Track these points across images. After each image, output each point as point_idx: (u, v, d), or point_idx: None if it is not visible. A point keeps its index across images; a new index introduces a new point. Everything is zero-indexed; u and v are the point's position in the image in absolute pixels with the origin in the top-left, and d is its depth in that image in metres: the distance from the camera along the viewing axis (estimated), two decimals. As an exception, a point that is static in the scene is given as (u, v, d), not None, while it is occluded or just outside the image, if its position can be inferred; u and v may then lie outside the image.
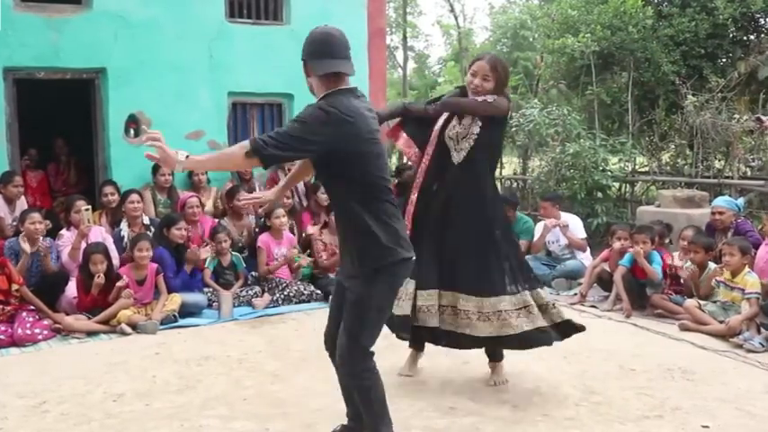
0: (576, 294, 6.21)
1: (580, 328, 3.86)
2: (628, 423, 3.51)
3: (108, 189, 6.45)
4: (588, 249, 6.95)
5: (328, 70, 2.76)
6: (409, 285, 3.72)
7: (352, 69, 2.81)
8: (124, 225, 6.20)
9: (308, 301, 6.08)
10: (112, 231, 6.22)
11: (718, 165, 8.69)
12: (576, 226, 6.91)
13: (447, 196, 3.79)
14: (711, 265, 5.43)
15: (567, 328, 3.83)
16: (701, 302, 5.26)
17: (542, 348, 4.67)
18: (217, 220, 6.66)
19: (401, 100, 3.76)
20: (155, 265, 5.60)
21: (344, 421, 3.19)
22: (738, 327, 4.83)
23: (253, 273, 6.34)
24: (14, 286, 5.08)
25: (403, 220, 3.00)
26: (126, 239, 6.05)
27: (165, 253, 5.82)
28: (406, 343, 4.96)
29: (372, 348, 2.88)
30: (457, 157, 3.79)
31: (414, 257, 2.92)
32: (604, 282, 6.10)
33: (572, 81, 10.80)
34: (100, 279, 5.27)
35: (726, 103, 8.48)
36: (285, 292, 6.05)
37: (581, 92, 10.45)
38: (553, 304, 3.84)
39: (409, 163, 10.10)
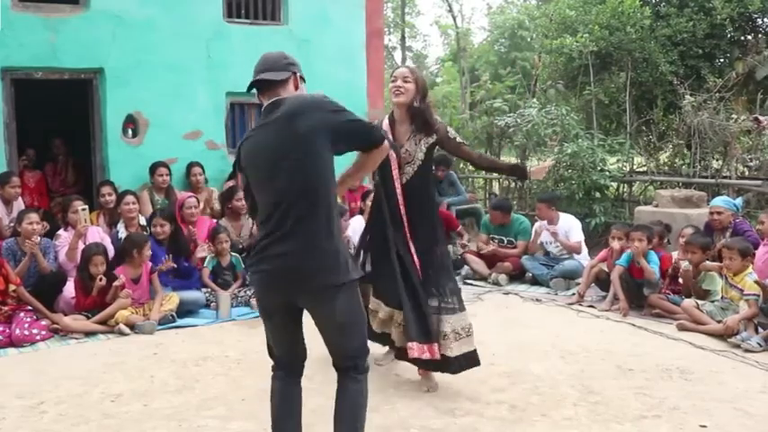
0: (573, 294, 6.22)
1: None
2: (626, 423, 3.51)
3: (105, 189, 6.45)
4: (586, 249, 6.95)
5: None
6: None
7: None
8: (121, 226, 6.20)
9: (307, 302, 6.06)
10: (110, 232, 6.22)
11: (715, 165, 8.70)
12: (573, 228, 6.90)
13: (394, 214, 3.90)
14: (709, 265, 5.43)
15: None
16: (699, 302, 5.27)
17: (540, 349, 4.71)
18: (216, 221, 6.65)
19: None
20: (149, 264, 5.60)
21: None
22: (736, 326, 4.84)
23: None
24: (11, 287, 5.07)
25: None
26: (123, 240, 6.05)
27: (152, 241, 5.82)
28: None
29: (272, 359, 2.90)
30: (401, 179, 3.89)
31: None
32: (602, 282, 6.11)
33: (570, 81, 10.82)
34: (102, 282, 5.26)
35: (723, 103, 8.49)
36: (283, 292, 6.03)
37: (579, 92, 10.46)
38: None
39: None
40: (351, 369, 2.73)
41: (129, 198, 6.23)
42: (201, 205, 6.85)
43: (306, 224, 2.54)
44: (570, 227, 6.88)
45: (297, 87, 2.75)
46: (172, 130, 7.36)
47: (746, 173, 8.51)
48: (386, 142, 2.77)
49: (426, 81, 4.01)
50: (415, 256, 3.85)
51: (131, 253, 5.50)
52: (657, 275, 5.64)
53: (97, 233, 5.88)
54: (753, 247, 5.53)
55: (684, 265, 5.56)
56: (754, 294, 4.93)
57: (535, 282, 6.81)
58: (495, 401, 3.79)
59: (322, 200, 2.56)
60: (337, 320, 2.64)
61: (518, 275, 6.97)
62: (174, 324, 5.38)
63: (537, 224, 7.06)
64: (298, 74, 2.77)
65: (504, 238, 7.20)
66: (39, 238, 5.43)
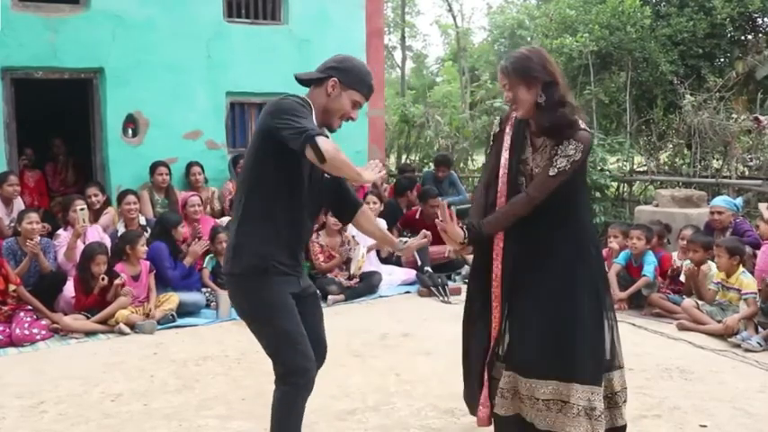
0: (574, 294, 6.20)
1: None
2: (626, 422, 3.51)
3: (91, 190, 6.42)
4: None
5: None
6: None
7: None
8: (121, 225, 6.21)
9: (306, 301, 6.07)
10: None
11: (716, 164, 8.70)
12: None
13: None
14: (712, 265, 5.40)
15: None
16: (699, 302, 5.26)
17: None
18: (217, 221, 6.65)
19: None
20: (147, 263, 5.60)
21: (342, 421, 3.18)
22: (736, 326, 4.84)
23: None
24: (11, 287, 5.07)
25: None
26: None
27: (163, 246, 5.82)
28: (402, 342, 4.97)
29: None
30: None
31: None
32: (602, 281, 6.10)
33: (570, 81, 10.78)
34: (104, 282, 5.26)
35: (724, 103, 8.49)
36: (283, 292, 6.03)
37: (579, 92, 10.46)
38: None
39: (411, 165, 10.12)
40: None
41: (131, 198, 6.23)
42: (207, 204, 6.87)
43: (235, 217, 2.71)
44: None
45: (328, 93, 2.63)
46: (172, 129, 7.36)
47: (746, 172, 8.52)
48: (311, 149, 2.35)
49: (550, 62, 2.76)
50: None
51: (124, 250, 5.51)
52: (653, 277, 5.65)
53: (97, 233, 5.88)
54: (753, 247, 5.54)
55: (687, 263, 5.55)
56: (752, 293, 4.94)
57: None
58: (495, 401, 3.78)
59: (246, 197, 2.64)
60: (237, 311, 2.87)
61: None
62: (173, 324, 5.38)
63: None
64: (335, 78, 2.62)
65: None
66: (39, 237, 5.44)
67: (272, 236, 2.61)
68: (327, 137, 2.45)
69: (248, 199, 2.63)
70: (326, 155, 2.34)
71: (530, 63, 2.71)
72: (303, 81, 2.72)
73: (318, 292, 6.13)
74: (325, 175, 2.67)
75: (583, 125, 2.74)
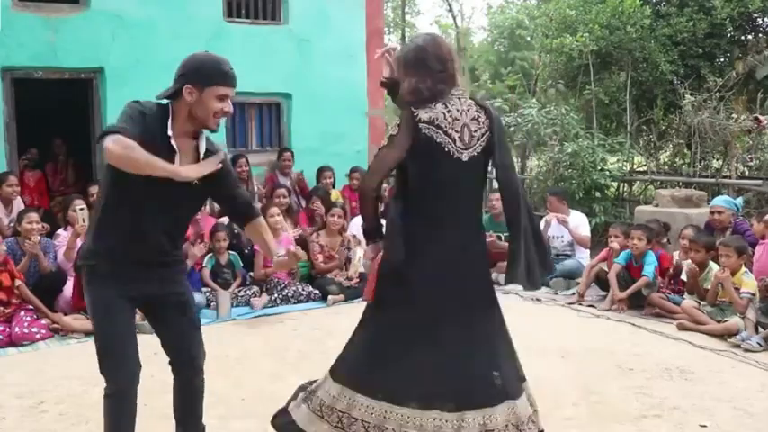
0: (574, 294, 6.22)
1: None
2: (626, 422, 3.51)
3: (93, 189, 6.41)
4: (588, 250, 6.95)
5: None
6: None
7: None
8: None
9: (306, 301, 6.08)
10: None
11: (716, 164, 8.71)
12: (581, 224, 6.91)
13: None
14: (713, 265, 5.41)
15: None
16: (700, 302, 5.26)
17: (540, 348, 4.70)
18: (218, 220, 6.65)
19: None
20: None
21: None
22: (735, 326, 4.84)
23: (250, 273, 6.33)
24: (17, 282, 5.07)
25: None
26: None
27: None
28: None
29: None
30: None
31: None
32: (602, 281, 6.11)
33: (570, 81, 10.80)
34: None
35: (724, 103, 8.48)
36: (283, 293, 6.04)
37: (579, 91, 10.45)
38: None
39: None
40: None
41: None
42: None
43: None
44: (579, 223, 6.89)
45: (188, 101, 2.62)
46: (171, 129, 7.36)
47: (746, 172, 8.52)
48: (106, 140, 2.38)
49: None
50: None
51: None
52: (652, 277, 5.65)
53: (97, 233, 5.87)
54: (753, 246, 5.54)
55: (688, 263, 5.55)
56: (748, 292, 4.95)
57: (535, 281, 6.78)
58: (495, 401, 3.77)
59: (101, 194, 2.70)
60: None
61: (518, 275, 6.95)
62: (174, 324, 5.37)
63: (547, 216, 7.04)
64: (189, 85, 2.60)
65: (502, 234, 7.18)
66: (39, 237, 5.43)
67: (106, 236, 2.59)
68: (126, 134, 2.41)
69: (101, 196, 2.68)
70: (108, 154, 2.33)
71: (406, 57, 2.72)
72: (167, 98, 2.67)
73: (318, 291, 6.19)
74: (194, 181, 2.52)
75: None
